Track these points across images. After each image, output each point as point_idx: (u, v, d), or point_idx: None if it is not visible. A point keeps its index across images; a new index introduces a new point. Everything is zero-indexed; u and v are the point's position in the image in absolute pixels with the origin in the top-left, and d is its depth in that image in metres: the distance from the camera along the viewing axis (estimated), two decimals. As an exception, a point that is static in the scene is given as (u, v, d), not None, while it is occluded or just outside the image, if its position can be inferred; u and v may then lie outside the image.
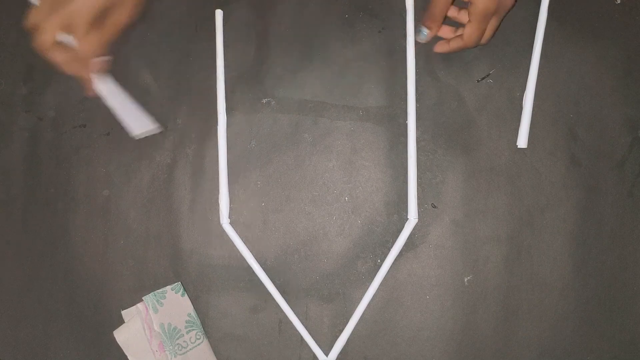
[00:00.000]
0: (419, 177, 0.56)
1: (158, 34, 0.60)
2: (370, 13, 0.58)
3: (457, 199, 0.56)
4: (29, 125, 0.60)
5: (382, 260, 0.56)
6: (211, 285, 0.57)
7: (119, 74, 0.60)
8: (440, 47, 0.56)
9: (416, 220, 0.55)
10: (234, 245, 0.57)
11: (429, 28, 0.55)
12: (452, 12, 0.56)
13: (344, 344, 0.55)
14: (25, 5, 0.62)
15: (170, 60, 0.60)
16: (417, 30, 0.56)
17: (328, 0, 0.58)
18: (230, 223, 0.57)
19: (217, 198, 0.57)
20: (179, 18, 0.60)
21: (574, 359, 0.55)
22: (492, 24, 0.53)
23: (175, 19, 0.60)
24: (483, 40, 0.53)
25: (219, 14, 0.59)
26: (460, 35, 0.53)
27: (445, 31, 0.56)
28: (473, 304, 0.55)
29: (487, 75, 0.57)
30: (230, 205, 0.58)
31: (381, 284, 0.56)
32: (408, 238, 0.56)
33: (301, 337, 0.56)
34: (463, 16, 0.55)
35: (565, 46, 0.57)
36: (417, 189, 0.56)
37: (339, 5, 0.58)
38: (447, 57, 0.57)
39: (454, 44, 0.54)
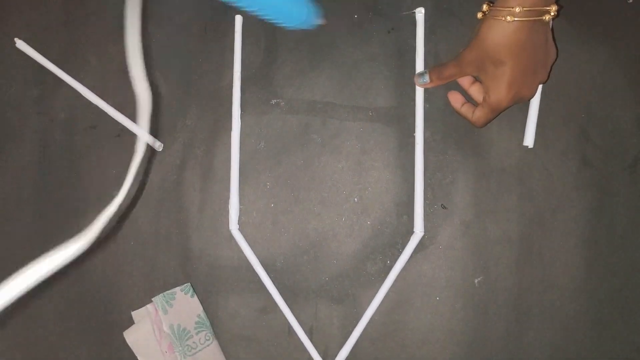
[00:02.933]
0: (429, 178, 0.56)
1: (167, 35, 0.60)
2: (379, 14, 0.58)
3: (467, 200, 0.56)
4: (40, 126, 0.61)
5: (392, 262, 0.56)
6: (220, 286, 0.57)
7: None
8: (453, 101, 0.55)
9: (422, 233, 0.55)
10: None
11: (430, 80, 0.54)
12: (465, 82, 0.54)
13: (347, 353, 0.55)
14: (35, 7, 0.62)
15: (179, 61, 0.60)
16: (420, 73, 0.55)
17: (337, 1, 0.58)
18: (239, 224, 0.57)
19: (227, 200, 0.57)
20: (189, 19, 0.60)
21: (586, 361, 0.54)
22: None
23: (185, 20, 0.60)
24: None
25: (238, 20, 0.59)
26: (473, 106, 0.53)
27: (466, 82, 0.54)
28: (484, 306, 0.55)
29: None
30: (239, 206, 0.58)
31: (391, 286, 0.56)
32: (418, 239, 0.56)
33: (311, 338, 0.56)
34: (475, 92, 0.53)
35: (577, 46, 0.56)
36: (427, 189, 0.56)
37: (348, 6, 0.58)
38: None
39: (464, 110, 0.53)
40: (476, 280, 0.55)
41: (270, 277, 0.57)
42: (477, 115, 0.51)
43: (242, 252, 0.57)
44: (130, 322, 0.57)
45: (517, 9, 0.45)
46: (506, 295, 0.55)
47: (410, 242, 0.55)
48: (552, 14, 0.46)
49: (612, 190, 0.55)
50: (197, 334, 0.55)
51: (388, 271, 0.56)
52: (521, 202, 0.55)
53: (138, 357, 0.55)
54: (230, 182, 0.57)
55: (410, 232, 0.56)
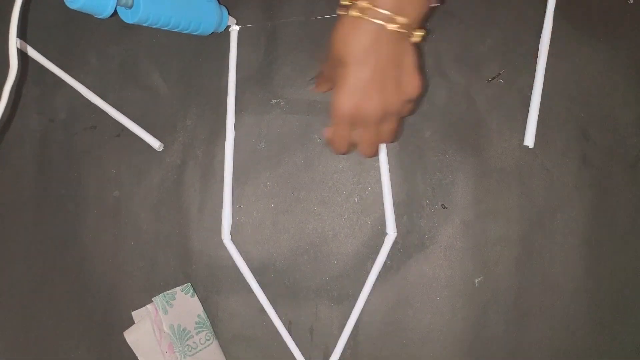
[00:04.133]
0: (429, 178, 0.56)
1: (168, 34, 0.60)
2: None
3: (467, 200, 0.56)
4: (40, 126, 0.61)
5: (392, 262, 0.56)
6: (221, 286, 0.57)
7: (130, 74, 0.60)
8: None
9: (395, 234, 0.55)
10: (244, 247, 0.57)
11: (317, 85, 0.54)
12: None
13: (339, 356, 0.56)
14: (35, 7, 0.62)
15: (180, 61, 0.60)
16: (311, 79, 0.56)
17: (337, 0, 0.58)
18: (238, 226, 0.57)
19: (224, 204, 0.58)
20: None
21: (587, 361, 0.54)
22: (385, 129, 0.46)
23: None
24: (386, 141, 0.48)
25: (234, 31, 0.59)
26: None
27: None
28: (484, 306, 0.55)
29: (498, 75, 0.57)
30: (240, 206, 0.58)
31: (391, 286, 0.56)
32: (418, 239, 0.56)
33: (311, 338, 0.56)
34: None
35: (577, 46, 0.56)
36: (427, 189, 0.56)
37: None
38: (457, 57, 0.57)
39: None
40: (476, 280, 0.55)
41: (270, 277, 0.57)
42: (326, 130, 0.47)
43: (243, 252, 0.57)
44: (131, 322, 0.57)
45: (364, 3, 0.41)
46: (506, 295, 0.55)
47: (384, 245, 0.55)
48: (398, 23, 0.42)
49: (613, 190, 0.55)
50: (197, 334, 0.55)
51: (388, 271, 0.56)
52: (521, 202, 0.55)
53: (138, 357, 0.55)
54: (224, 192, 0.57)
55: (409, 232, 0.56)
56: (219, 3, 0.57)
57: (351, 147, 0.48)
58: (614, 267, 0.54)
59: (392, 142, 0.50)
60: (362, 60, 0.43)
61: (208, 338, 0.56)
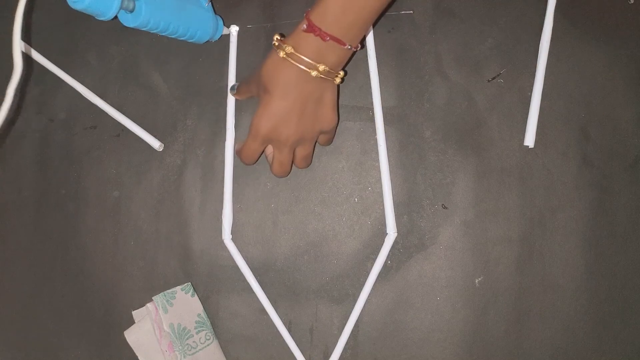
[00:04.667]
0: (429, 178, 0.56)
1: (168, 35, 0.60)
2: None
3: (467, 200, 0.56)
4: (40, 126, 0.61)
5: (393, 262, 0.56)
6: (221, 285, 0.57)
7: (130, 74, 0.60)
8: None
9: (395, 234, 0.55)
10: (244, 246, 0.57)
11: (237, 91, 0.56)
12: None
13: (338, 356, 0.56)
14: (35, 7, 0.62)
15: (180, 61, 0.60)
16: (232, 86, 0.57)
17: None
18: (239, 226, 0.57)
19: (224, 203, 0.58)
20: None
21: (587, 361, 0.54)
22: (298, 153, 0.52)
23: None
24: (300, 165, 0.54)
25: (234, 29, 0.59)
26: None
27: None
28: (484, 306, 0.55)
29: (498, 75, 0.57)
30: (239, 206, 0.58)
31: (391, 286, 0.56)
32: (418, 239, 0.56)
33: (311, 338, 0.56)
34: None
35: (577, 46, 0.56)
36: (428, 189, 0.56)
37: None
38: (457, 57, 0.57)
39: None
40: (477, 280, 0.55)
41: (270, 277, 0.57)
42: (238, 145, 0.53)
43: (243, 252, 0.57)
44: (131, 321, 0.57)
45: (288, 49, 0.46)
46: (507, 295, 0.55)
47: (384, 245, 0.55)
48: (319, 70, 0.47)
49: (613, 190, 0.55)
50: (197, 333, 0.55)
51: (388, 271, 0.56)
52: (522, 202, 0.55)
53: (139, 356, 0.55)
54: (224, 192, 0.57)
55: (410, 232, 0.56)
56: (215, 12, 0.57)
57: (257, 160, 0.53)
58: (614, 267, 0.54)
59: (304, 167, 0.55)
60: (285, 93, 0.48)
61: (208, 337, 0.56)
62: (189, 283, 0.57)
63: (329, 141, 0.55)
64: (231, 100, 0.58)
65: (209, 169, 0.58)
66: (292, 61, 0.47)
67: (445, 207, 0.56)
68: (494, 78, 0.57)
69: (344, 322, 0.56)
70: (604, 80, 0.56)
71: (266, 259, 0.57)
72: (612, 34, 0.56)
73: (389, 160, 0.56)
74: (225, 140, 0.58)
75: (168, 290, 0.56)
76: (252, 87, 0.52)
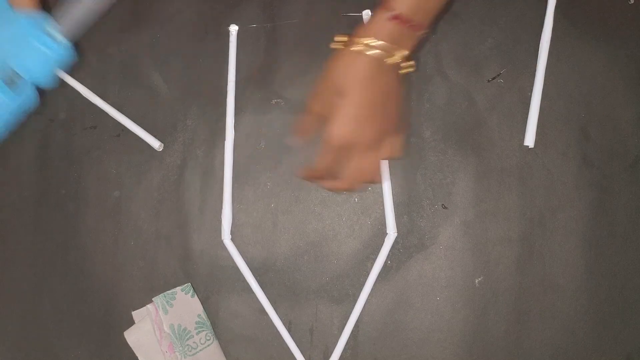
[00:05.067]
0: (429, 178, 0.56)
1: (168, 35, 0.60)
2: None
3: (467, 200, 0.56)
4: (40, 126, 0.61)
5: (393, 262, 0.56)
6: (221, 286, 0.57)
7: (130, 74, 0.60)
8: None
9: (395, 234, 0.55)
10: (245, 246, 0.57)
11: (297, 137, 0.54)
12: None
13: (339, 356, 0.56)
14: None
15: (180, 61, 0.60)
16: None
17: (337, 0, 0.58)
18: (239, 226, 0.57)
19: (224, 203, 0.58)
20: (189, 19, 0.60)
21: (587, 361, 0.54)
22: (368, 163, 0.48)
23: (186, 20, 0.60)
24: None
25: (233, 29, 0.59)
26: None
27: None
28: (484, 306, 0.55)
29: (498, 75, 0.57)
30: (239, 206, 0.58)
31: (391, 286, 0.56)
32: (418, 239, 0.56)
33: (311, 338, 0.56)
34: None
35: (577, 46, 0.56)
36: (428, 189, 0.56)
37: (348, 5, 0.58)
38: (457, 57, 0.57)
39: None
40: (477, 281, 0.55)
41: (270, 277, 0.57)
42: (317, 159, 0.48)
43: (243, 252, 0.57)
44: (131, 322, 0.57)
45: (365, 40, 0.45)
46: (507, 295, 0.55)
47: (384, 245, 0.55)
48: (402, 54, 0.46)
49: (613, 190, 0.55)
50: (197, 334, 0.55)
51: (388, 271, 0.56)
52: (522, 202, 0.55)
53: (139, 357, 0.55)
54: (224, 192, 0.57)
55: (410, 232, 0.56)
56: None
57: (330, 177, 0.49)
58: (614, 267, 0.54)
59: (374, 182, 0.52)
60: (363, 89, 0.45)
61: (208, 338, 0.56)
62: (189, 284, 0.57)
63: (399, 149, 0.50)
64: (231, 100, 0.58)
65: (209, 169, 0.58)
66: (369, 51, 0.45)
67: (445, 207, 0.56)
68: (494, 78, 0.57)
69: (344, 322, 0.56)
70: (604, 80, 0.56)
71: (266, 259, 0.57)
72: (612, 34, 0.56)
73: (389, 161, 0.56)
74: (225, 140, 0.58)
75: (168, 291, 0.56)
76: (315, 105, 0.49)
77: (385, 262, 0.56)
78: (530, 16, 0.56)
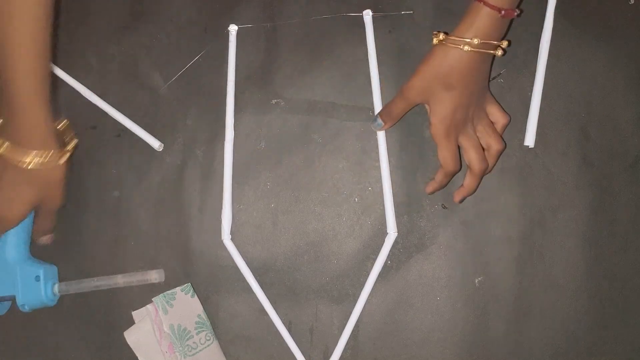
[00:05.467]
0: (429, 178, 0.56)
1: (167, 35, 0.60)
2: (379, 13, 0.58)
3: (467, 200, 0.55)
4: (40, 126, 0.61)
5: (393, 261, 0.56)
6: (221, 286, 0.57)
7: (130, 74, 0.60)
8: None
9: (395, 234, 0.55)
10: (244, 247, 0.57)
11: (384, 122, 0.54)
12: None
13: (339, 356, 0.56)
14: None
15: (180, 61, 0.60)
16: (373, 119, 0.55)
17: (337, 0, 0.58)
18: (239, 226, 0.57)
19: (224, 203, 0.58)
20: (189, 19, 0.60)
21: (587, 361, 0.54)
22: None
23: (185, 20, 0.60)
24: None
25: (232, 29, 0.59)
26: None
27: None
28: (484, 306, 0.55)
29: (498, 75, 0.57)
30: (239, 206, 0.58)
31: (391, 286, 0.56)
32: (418, 239, 0.56)
33: (311, 338, 0.56)
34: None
35: (577, 46, 0.56)
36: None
37: (349, 5, 0.58)
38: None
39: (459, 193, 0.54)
40: (477, 280, 0.55)
41: (270, 277, 0.57)
42: (440, 157, 0.51)
43: (243, 252, 0.57)
44: (131, 322, 0.57)
45: (475, 41, 0.47)
46: (507, 295, 0.55)
47: (385, 244, 0.55)
48: (504, 46, 0.49)
49: (613, 190, 0.55)
50: (197, 334, 0.55)
51: (388, 271, 0.56)
52: (522, 202, 0.55)
53: (139, 357, 0.55)
54: (223, 192, 0.57)
55: (410, 231, 0.56)
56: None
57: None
58: (614, 267, 0.54)
59: (500, 147, 0.53)
60: (469, 82, 0.50)
61: (208, 338, 0.56)
62: (189, 284, 0.57)
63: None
64: (231, 100, 0.58)
65: (209, 169, 0.58)
66: (479, 50, 0.48)
67: (445, 207, 0.56)
68: (494, 78, 0.57)
69: (344, 322, 0.56)
70: (604, 80, 0.56)
71: (266, 259, 0.57)
72: (612, 34, 0.56)
73: (389, 160, 0.56)
74: (225, 140, 0.58)
75: (168, 291, 0.56)
76: (415, 97, 0.51)
77: (385, 262, 0.56)
78: (530, 16, 0.56)
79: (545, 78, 0.56)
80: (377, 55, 0.57)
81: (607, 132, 0.55)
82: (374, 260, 0.56)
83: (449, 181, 0.53)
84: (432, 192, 0.55)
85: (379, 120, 0.54)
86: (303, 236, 0.57)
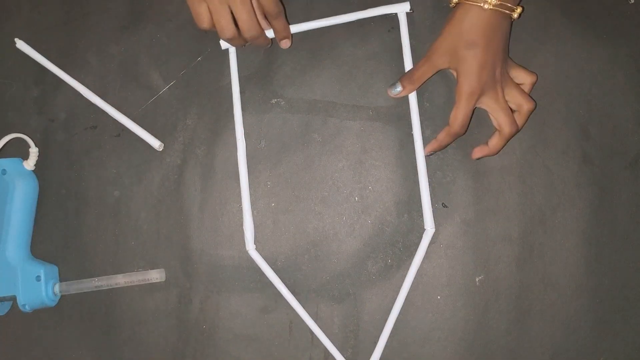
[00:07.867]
0: (429, 177, 0.56)
1: (168, 34, 0.60)
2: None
3: (467, 199, 0.56)
4: (41, 126, 0.61)
5: (393, 261, 0.56)
6: (221, 286, 0.57)
7: (130, 74, 0.60)
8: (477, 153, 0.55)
9: (433, 229, 0.55)
10: (244, 246, 0.57)
11: (403, 87, 0.55)
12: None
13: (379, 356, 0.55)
14: (35, 7, 0.62)
15: (180, 61, 0.60)
16: (392, 84, 0.55)
17: (337, 1, 0.58)
18: (239, 224, 0.57)
19: (227, 201, 0.57)
20: (189, 18, 0.60)
21: (587, 359, 0.54)
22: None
23: (185, 19, 0.60)
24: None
25: (232, 53, 0.59)
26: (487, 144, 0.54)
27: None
28: (484, 304, 0.55)
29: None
30: (239, 206, 0.58)
31: (391, 285, 0.56)
32: (418, 238, 0.56)
33: (312, 337, 0.56)
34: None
35: (577, 45, 0.57)
36: (428, 188, 0.56)
37: (348, 5, 0.58)
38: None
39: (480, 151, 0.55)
40: (477, 279, 0.55)
41: (270, 277, 0.56)
42: (453, 114, 0.52)
43: (243, 252, 0.57)
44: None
45: (494, 0, 0.49)
46: (507, 293, 0.55)
47: (422, 241, 0.55)
48: (519, 11, 0.51)
49: (613, 189, 0.55)
50: None
51: (389, 270, 0.56)
52: (522, 201, 0.55)
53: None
54: (242, 202, 0.57)
55: (410, 230, 0.56)
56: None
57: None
58: (614, 266, 0.54)
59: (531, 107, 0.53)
60: (491, 39, 0.50)
61: None
62: None
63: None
64: (238, 110, 0.57)
65: (209, 168, 0.58)
66: (498, 8, 0.49)
67: (445, 206, 0.56)
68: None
69: (344, 321, 0.56)
70: (604, 79, 0.56)
71: (266, 259, 0.57)
72: (612, 33, 0.57)
73: (389, 160, 0.56)
74: (236, 148, 0.58)
75: None
76: (440, 59, 0.53)
77: (386, 261, 0.56)
78: (530, 14, 0.56)
79: (545, 77, 0.56)
80: (377, 55, 0.57)
81: (607, 130, 0.56)
82: (375, 259, 0.56)
83: (450, 144, 0.54)
84: (431, 153, 0.55)
85: (398, 86, 0.55)
86: (303, 235, 0.57)
